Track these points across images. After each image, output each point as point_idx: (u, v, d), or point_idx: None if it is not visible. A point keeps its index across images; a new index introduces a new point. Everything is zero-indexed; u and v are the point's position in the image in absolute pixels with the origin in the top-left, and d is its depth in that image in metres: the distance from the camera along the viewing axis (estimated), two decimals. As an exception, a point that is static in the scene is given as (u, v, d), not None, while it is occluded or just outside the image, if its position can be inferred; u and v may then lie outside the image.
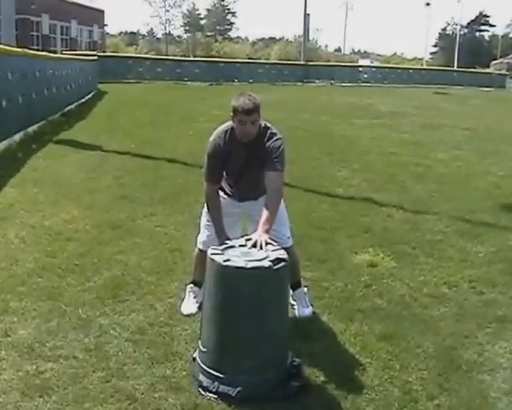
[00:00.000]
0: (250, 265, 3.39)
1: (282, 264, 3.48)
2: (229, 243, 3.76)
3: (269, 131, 4.19)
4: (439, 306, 4.91)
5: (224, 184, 4.42)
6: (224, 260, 3.42)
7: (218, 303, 3.48)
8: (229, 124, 4.19)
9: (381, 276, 5.49)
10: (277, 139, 4.17)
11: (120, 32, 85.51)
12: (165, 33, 73.19)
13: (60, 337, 4.13)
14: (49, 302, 4.67)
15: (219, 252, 3.55)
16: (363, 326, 4.46)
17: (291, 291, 4.50)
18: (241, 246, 3.70)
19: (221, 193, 4.40)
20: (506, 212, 7.93)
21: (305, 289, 4.73)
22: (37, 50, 22.51)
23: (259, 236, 3.78)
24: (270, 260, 3.45)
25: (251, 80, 40.67)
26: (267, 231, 3.83)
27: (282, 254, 3.58)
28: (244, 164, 4.24)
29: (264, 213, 3.94)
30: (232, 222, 4.37)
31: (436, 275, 5.57)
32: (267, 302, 3.47)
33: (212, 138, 4.26)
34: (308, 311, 4.64)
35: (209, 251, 3.58)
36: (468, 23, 73.65)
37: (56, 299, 4.73)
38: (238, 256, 3.50)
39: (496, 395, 3.66)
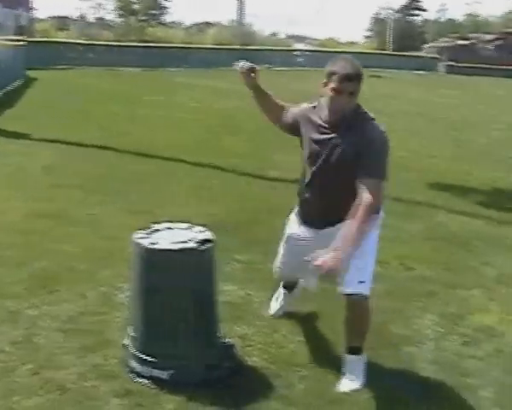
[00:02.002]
0: (176, 247, 3.38)
1: (209, 245, 3.49)
2: (155, 226, 3.71)
3: (368, 118, 3.36)
4: (370, 283, 5.01)
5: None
6: (150, 243, 3.40)
7: (146, 287, 3.45)
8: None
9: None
10: (380, 132, 3.31)
11: (50, 17, 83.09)
12: (98, 18, 71.59)
13: (-13, 331, 4.03)
14: (-24, 295, 4.55)
15: (145, 235, 3.52)
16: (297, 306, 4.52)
17: (346, 356, 3.62)
18: (168, 229, 3.67)
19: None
20: (436, 191, 8.18)
21: (365, 358, 3.63)
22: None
23: (326, 255, 3.06)
24: (197, 242, 3.44)
25: (186, 65, 40.28)
26: (341, 252, 3.07)
27: (209, 235, 3.58)
28: (324, 158, 3.36)
29: (345, 227, 3.16)
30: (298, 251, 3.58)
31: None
32: (194, 284, 3.47)
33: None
34: (357, 384, 3.49)
35: (134, 235, 3.54)
36: (401, 8, 74.85)
37: (-17, 292, 4.61)
38: (164, 239, 3.48)
39: (422, 366, 3.82)
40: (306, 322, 4.29)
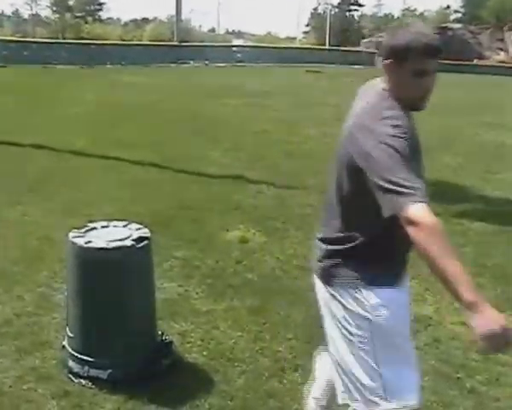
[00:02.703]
0: (112, 245, 3.38)
1: (145, 242, 3.50)
2: (91, 224, 3.70)
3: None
4: (307, 277, 5.07)
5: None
6: (86, 243, 3.39)
7: (81, 286, 3.44)
8: (381, 92, 2.34)
9: (251, 251, 5.65)
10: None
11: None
12: (32, 14, 70.10)
13: None
14: None
15: (80, 234, 3.50)
16: (234, 301, 4.59)
17: None
18: (103, 227, 3.66)
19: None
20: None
21: None
22: None
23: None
24: (133, 239, 3.45)
25: (123, 62, 39.79)
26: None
27: (146, 232, 3.59)
28: None
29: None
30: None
31: (305, 247, 5.78)
32: (131, 282, 3.48)
33: (394, 122, 2.18)
34: None
35: (70, 234, 3.51)
36: (339, 3, 75.93)
37: None
38: (100, 237, 3.47)
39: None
40: (245, 317, 4.34)
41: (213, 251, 5.58)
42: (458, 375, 3.74)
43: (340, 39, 62.02)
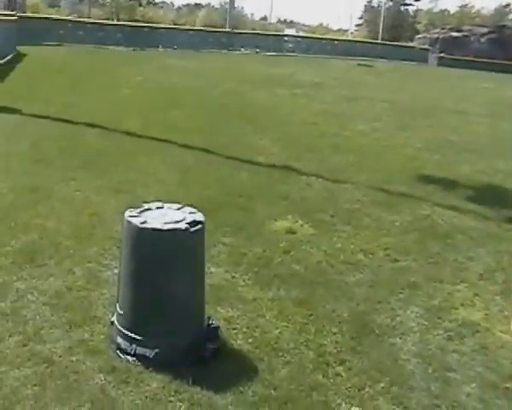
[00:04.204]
0: (166, 227, 3.41)
1: (199, 226, 3.52)
2: (146, 205, 3.74)
3: None
4: (354, 272, 5.09)
5: None
6: (141, 223, 3.43)
7: (135, 265, 3.49)
8: None
9: (299, 243, 5.63)
10: None
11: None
12: (88, -5, 70.96)
13: (-25, 302, 4.06)
14: (-36, 267, 4.57)
15: (136, 214, 3.55)
16: (280, 291, 4.58)
17: None
18: (158, 208, 3.70)
19: None
20: (422, 183, 8.24)
21: None
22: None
23: None
24: (187, 223, 3.48)
25: (175, 46, 40.07)
26: None
27: (200, 216, 3.62)
28: None
29: None
30: None
31: (353, 243, 5.76)
32: (183, 265, 3.51)
33: None
34: None
35: (126, 213, 3.57)
36: (394, -4, 74.67)
37: (-29, 264, 4.63)
38: (155, 218, 3.51)
39: (406, 358, 3.84)
40: (291, 308, 4.33)
41: (261, 240, 5.59)
42: (506, 385, 3.66)
43: (392, 34, 61.08)
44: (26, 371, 3.33)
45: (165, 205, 3.79)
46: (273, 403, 3.23)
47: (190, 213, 3.68)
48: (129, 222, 3.49)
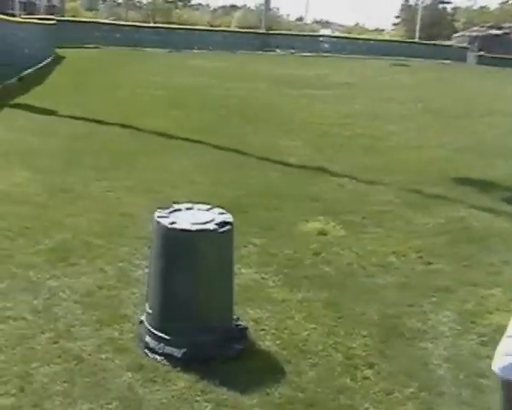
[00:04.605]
0: (195, 227, 3.43)
1: (227, 227, 3.53)
2: (176, 205, 3.76)
3: None
4: (385, 275, 5.04)
5: None
6: (170, 223, 3.45)
7: (164, 265, 3.51)
8: None
9: (329, 244, 5.60)
10: None
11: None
12: (126, -2, 71.85)
13: (9, 299, 4.15)
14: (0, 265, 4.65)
15: (166, 215, 3.58)
16: (310, 293, 4.56)
17: None
18: (187, 209, 3.72)
19: None
20: (455, 184, 8.12)
21: None
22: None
23: None
24: (216, 224, 3.49)
25: (210, 48, 40.29)
26: None
27: (228, 217, 3.62)
28: None
29: None
30: None
31: (384, 244, 5.70)
32: (211, 265, 3.52)
33: None
34: None
35: (155, 214, 3.60)
36: (431, -5, 73.56)
37: (6, 261, 4.73)
38: (184, 219, 3.53)
39: (436, 362, 3.77)
40: (320, 310, 4.31)
41: (291, 241, 5.57)
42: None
43: (430, 33, 60.27)
44: (56, 368, 3.38)
45: (195, 206, 3.81)
46: (299, 405, 3.21)
47: (220, 213, 3.69)
48: (158, 222, 3.52)
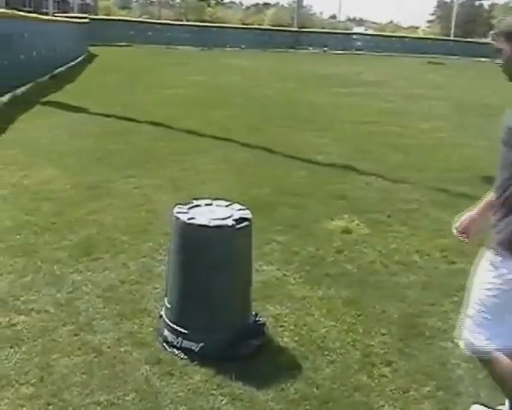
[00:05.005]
0: (213, 223, 3.46)
1: (245, 223, 3.55)
2: (196, 201, 3.80)
3: None
4: (407, 273, 5.01)
5: None
6: (189, 219, 3.49)
7: (182, 260, 3.55)
8: None
9: (353, 242, 5.59)
10: None
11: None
12: (159, -4, 72.56)
13: (33, 292, 4.24)
14: (25, 259, 4.77)
15: (185, 210, 3.62)
16: (331, 291, 4.56)
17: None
18: (206, 205, 3.76)
19: None
20: (483, 183, 7.97)
21: None
22: (29, 12, 22.29)
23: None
24: (234, 220, 3.52)
25: (243, 46, 40.44)
26: None
27: (247, 213, 3.65)
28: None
29: None
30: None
31: (408, 243, 5.66)
32: (229, 261, 3.54)
33: None
34: None
35: (174, 209, 3.64)
36: (468, -9, 72.48)
37: (32, 256, 4.83)
38: (203, 215, 3.56)
39: (455, 362, 3.73)
40: (340, 308, 4.31)
41: (314, 239, 5.58)
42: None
43: (466, 30, 59.45)
44: (76, 360, 3.44)
45: (214, 202, 3.84)
46: (314, 401, 3.22)
47: (239, 209, 3.71)
48: (177, 218, 3.56)
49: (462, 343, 3.00)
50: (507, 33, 2.67)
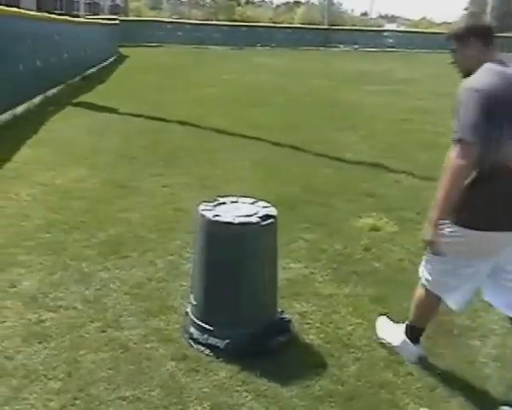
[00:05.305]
0: (238, 220, 3.47)
1: (270, 220, 3.56)
2: (221, 199, 3.82)
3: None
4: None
5: None
6: (214, 216, 3.51)
7: (207, 257, 3.57)
8: None
9: (381, 240, 5.56)
10: (461, 87, 3.12)
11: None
12: (190, -3, 73.08)
13: (62, 289, 4.30)
14: (54, 256, 4.84)
15: (210, 208, 3.63)
16: (358, 288, 4.54)
17: None
18: (232, 202, 3.77)
19: None
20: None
21: None
22: (61, 15, 22.60)
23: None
24: (259, 217, 3.52)
25: (273, 45, 40.44)
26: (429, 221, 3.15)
27: (272, 211, 3.65)
28: None
29: None
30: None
31: (437, 241, 5.60)
32: (254, 258, 3.55)
33: None
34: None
35: (200, 207, 3.66)
36: (503, -16, 71.15)
37: (61, 253, 4.90)
38: (228, 212, 3.58)
39: (484, 360, 3.70)
40: (367, 305, 4.29)
41: (342, 236, 5.56)
42: None
43: (501, 24, 58.51)
44: (103, 356, 3.48)
45: (240, 199, 3.85)
46: (338, 398, 3.21)
47: (264, 207, 3.72)
48: (202, 215, 3.58)
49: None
50: (455, 35, 3.20)
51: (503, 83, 3.00)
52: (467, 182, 3.06)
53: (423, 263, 3.44)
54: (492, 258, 3.19)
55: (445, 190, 3.04)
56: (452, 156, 3.03)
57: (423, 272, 3.44)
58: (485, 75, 3.01)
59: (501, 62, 3.10)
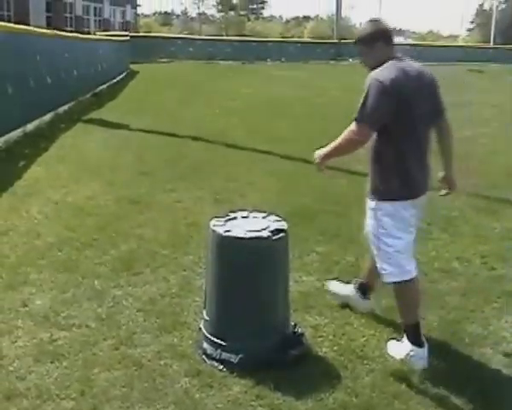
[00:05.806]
0: (249, 235, 3.49)
1: (281, 235, 3.57)
2: (232, 214, 3.83)
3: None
4: (448, 280, 4.96)
5: None
6: (225, 231, 3.53)
7: (219, 272, 3.59)
8: None
9: (394, 251, 5.52)
10: (370, 78, 3.56)
11: (154, 13, 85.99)
12: (199, 13, 73.57)
13: (74, 307, 4.31)
14: (66, 274, 4.86)
15: (221, 223, 3.66)
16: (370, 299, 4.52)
17: None
18: (243, 217, 3.79)
19: None
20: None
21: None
22: (71, 32, 22.83)
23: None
24: (270, 231, 3.54)
25: (283, 59, 40.59)
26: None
27: (283, 225, 3.67)
28: None
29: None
30: None
31: (448, 250, 5.61)
32: (265, 272, 3.56)
33: None
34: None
35: (211, 222, 3.68)
36: (508, -3, 71.26)
37: (73, 271, 4.92)
38: (239, 226, 3.60)
39: (496, 368, 3.69)
40: (380, 316, 4.28)
41: (355, 248, 5.53)
42: None
43: (507, 36, 58.49)
44: (116, 373, 3.49)
45: (251, 214, 3.87)
46: (352, 410, 3.21)
47: (275, 221, 3.74)
48: (213, 231, 3.60)
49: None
50: (359, 38, 3.73)
51: (403, 76, 3.54)
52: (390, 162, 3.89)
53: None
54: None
55: (336, 147, 3.85)
56: (352, 129, 3.61)
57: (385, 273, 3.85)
58: (388, 70, 3.53)
59: (400, 58, 3.68)
